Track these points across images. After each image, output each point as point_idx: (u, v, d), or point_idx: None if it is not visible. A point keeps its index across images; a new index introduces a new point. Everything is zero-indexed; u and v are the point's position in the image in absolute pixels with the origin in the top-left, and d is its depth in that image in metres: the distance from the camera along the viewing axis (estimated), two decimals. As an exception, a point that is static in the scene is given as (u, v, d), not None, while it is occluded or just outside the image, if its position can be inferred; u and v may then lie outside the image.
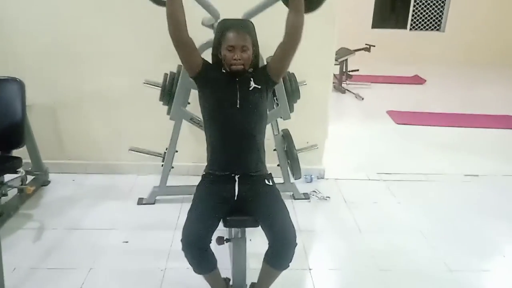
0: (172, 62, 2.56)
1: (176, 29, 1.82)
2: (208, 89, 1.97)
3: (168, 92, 2.70)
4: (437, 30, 8.79)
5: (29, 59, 3.11)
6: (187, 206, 1.90)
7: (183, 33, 1.85)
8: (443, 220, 2.92)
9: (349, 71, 6.55)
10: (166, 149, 2.92)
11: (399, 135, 4.72)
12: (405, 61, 8.47)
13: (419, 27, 8.81)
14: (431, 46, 8.67)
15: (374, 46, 6.64)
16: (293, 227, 1.80)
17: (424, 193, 3.32)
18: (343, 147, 4.12)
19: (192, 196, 1.96)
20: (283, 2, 2.11)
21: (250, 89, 1.95)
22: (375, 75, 7.49)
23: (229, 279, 2.14)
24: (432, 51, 8.66)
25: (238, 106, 1.92)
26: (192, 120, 2.77)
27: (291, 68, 2.62)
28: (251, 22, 2.29)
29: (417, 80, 7.62)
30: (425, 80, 7.53)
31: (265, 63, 2.51)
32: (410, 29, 8.79)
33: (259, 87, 1.97)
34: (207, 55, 2.37)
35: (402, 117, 5.24)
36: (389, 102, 5.98)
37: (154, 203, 3.00)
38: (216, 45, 2.08)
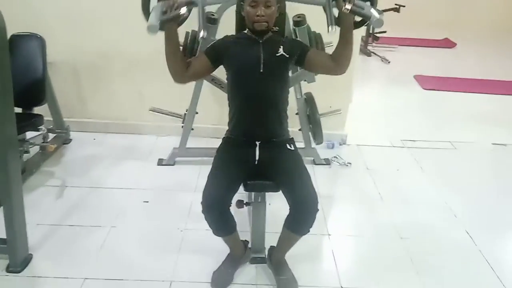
0: (194, 21, 2.46)
1: (176, 77, 1.86)
2: (229, 60, 1.91)
3: (190, 51, 2.62)
4: (471, -9, 8.33)
5: (51, 16, 3.04)
6: (206, 168, 1.88)
7: (184, 76, 1.87)
8: (468, 191, 2.84)
9: (376, 33, 6.28)
10: (187, 111, 2.88)
11: (426, 101, 4.55)
12: (435, 23, 8.07)
13: (453, -13, 8.36)
14: (464, 8, 8.23)
15: (404, 6, 6.31)
16: (315, 192, 1.76)
17: (449, 162, 3.22)
18: (367, 113, 4.01)
19: (211, 158, 1.94)
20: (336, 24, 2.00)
21: (277, 55, 1.87)
22: (403, 37, 7.18)
23: (248, 242, 2.15)
24: (465, 13, 8.22)
25: (261, 71, 1.85)
26: (213, 81, 2.70)
27: (317, 28, 2.50)
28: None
29: (447, 43, 7.29)
30: (456, 44, 7.20)
31: (291, 21, 2.42)
32: (443, -11, 8.35)
33: (287, 56, 1.88)
34: (229, 14, 2.29)
35: (430, 82, 5.04)
36: (416, 66, 5.75)
37: (173, 164, 3.00)
38: (240, 1, 1.98)
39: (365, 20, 1.82)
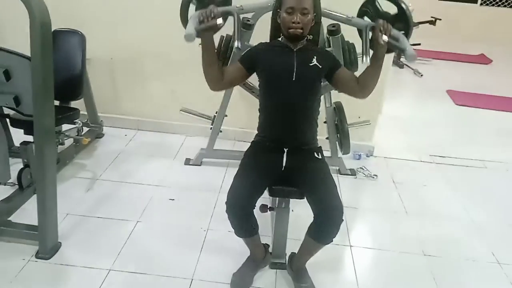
0: (229, 25, 2.51)
1: (213, 85, 1.90)
2: (263, 67, 1.94)
3: (224, 55, 2.67)
4: (510, 7, 8.09)
5: (92, 13, 3.15)
6: (232, 171, 1.92)
7: (220, 84, 1.91)
8: (497, 211, 2.78)
9: (410, 45, 6.20)
10: (216, 113, 2.93)
11: (458, 117, 4.47)
12: (471, 38, 7.91)
13: (491, 2, 8.15)
14: (502, 24, 8.03)
15: (440, 19, 6.23)
16: (341, 203, 1.77)
17: (478, 181, 3.15)
18: (396, 125, 3.96)
19: (237, 161, 1.98)
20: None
21: (311, 65, 1.89)
22: (437, 50, 7.06)
23: (268, 245, 2.17)
24: (502, 29, 8.02)
25: (294, 79, 1.87)
26: (244, 85, 2.74)
27: (351, 38, 2.51)
28: (315, -14, 2.18)
29: (482, 59, 7.13)
30: (491, 61, 7.03)
31: (325, 30, 2.43)
32: (481, 3, 8.16)
33: (320, 67, 1.90)
34: (264, 21, 2.33)
35: (463, 98, 4.95)
36: (450, 81, 5.64)
37: (200, 165, 3.05)
38: (276, 8, 2.01)
39: (400, 51, 1.83)
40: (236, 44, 2.02)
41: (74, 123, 2.78)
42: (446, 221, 2.64)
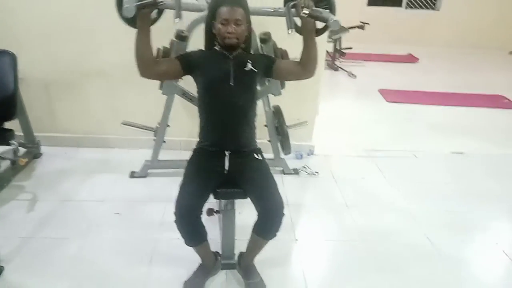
0: (165, 36, 2.56)
1: (144, 69, 1.87)
2: (200, 72, 2.00)
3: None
4: (433, 9, 8.74)
5: (22, 32, 3.07)
6: (178, 180, 1.94)
7: (151, 70, 1.90)
8: (428, 197, 3.01)
9: (343, 49, 6.54)
10: (158, 124, 2.95)
11: (389, 113, 4.77)
12: (399, 39, 8.46)
13: (415, 5, 8.75)
14: (426, 25, 8.64)
15: (368, 24, 6.62)
16: (281, 198, 1.86)
17: (410, 170, 3.40)
18: (334, 124, 4.17)
19: (183, 170, 2.01)
20: (296, 31, 2.12)
21: (246, 69, 1.98)
22: (368, 53, 7.49)
23: (219, 253, 2.21)
24: (427, 30, 8.64)
25: (231, 84, 1.96)
26: (184, 95, 2.79)
27: (283, 44, 2.64)
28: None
29: (410, 59, 7.64)
30: (418, 59, 7.55)
31: (258, 39, 2.55)
32: (406, 7, 8.73)
33: (256, 70, 2.00)
34: (197, 32, 2.40)
35: (393, 95, 5.29)
36: (381, 80, 6.02)
37: (146, 177, 3.05)
38: (209, 21, 2.09)
39: (323, 21, 1.92)
40: (176, 20, 1.93)
41: (10, 145, 2.69)
42: (384, 210, 2.82)
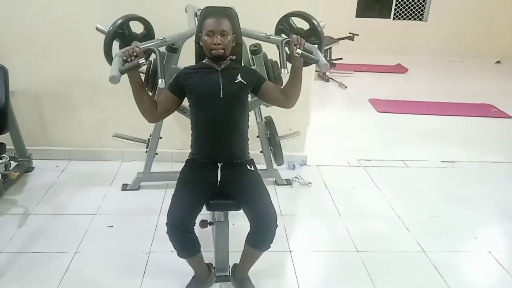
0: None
1: (150, 117, 1.99)
2: (190, 89, 2.02)
3: (152, 79, 2.71)
4: (420, 20, 8.88)
5: (12, 45, 3.08)
6: (171, 192, 1.95)
7: (156, 116, 2.01)
8: (419, 205, 3.03)
9: (333, 60, 6.61)
10: (150, 136, 2.95)
11: (380, 123, 4.82)
12: (388, 50, 8.57)
13: (403, 16, 8.89)
14: (414, 35, 8.77)
15: (358, 35, 6.70)
16: (273, 209, 1.87)
17: (402, 179, 3.43)
18: (326, 135, 4.21)
19: (175, 182, 2.01)
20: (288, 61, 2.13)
21: (236, 81, 2.01)
22: (358, 63, 7.57)
23: (212, 264, 2.20)
24: (415, 40, 8.76)
25: (221, 96, 1.98)
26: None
27: (274, 56, 2.67)
28: (234, 10, 2.32)
29: (399, 69, 7.74)
30: (407, 69, 7.65)
31: (248, 50, 2.58)
32: (394, 18, 8.86)
33: (245, 83, 2.03)
34: (188, 45, 2.42)
35: (384, 106, 5.35)
36: (371, 90, 6.08)
37: (138, 189, 3.04)
38: (198, 33, 2.12)
39: (314, 63, 2.02)
40: (160, 82, 1.93)
41: (1, 158, 2.67)
42: (375, 219, 2.84)
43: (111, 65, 1.87)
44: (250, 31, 2.51)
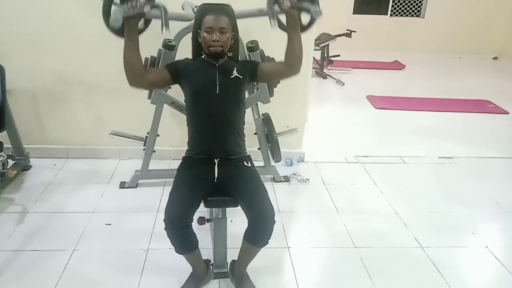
0: (153, 46, 2.57)
1: (133, 79, 1.85)
2: (187, 80, 2.01)
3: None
4: (417, 16, 8.89)
5: (9, 44, 3.07)
6: (169, 190, 1.95)
7: (141, 80, 1.88)
8: (417, 201, 3.04)
9: (331, 57, 6.61)
10: (148, 133, 2.95)
11: (377, 120, 4.82)
12: (385, 46, 8.58)
13: (400, 13, 8.90)
14: (411, 32, 8.78)
15: (355, 31, 6.70)
16: (271, 205, 1.87)
17: (399, 175, 3.43)
18: (323, 131, 4.21)
19: (173, 180, 2.01)
20: (280, 28, 2.13)
21: (232, 77, 2.00)
22: (356, 60, 7.57)
23: (210, 261, 2.21)
24: (412, 37, 8.77)
25: (217, 92, 1.97)
26: (173, 104, 2.80)
27: (271, 53, 2.68)
28: (231, 7, 2.31)
29: (397, 65, 7.74)
30: (405, 66, 7.65)
31: (245, 47, 2.58)
32: (391, 15, 8.86)
33: (241, 77, 2.01)
34: (185, 41, 2.42)
35: (381, 102, 5.35)
36: (369, 87, 6.08)
37: (136, 187, 3.04)
38: (196, 29, 2.11)
39: (306, 11, 1.91)
40: (163, 31, 1.85)
41: (-2, 157, 2.67)
42: (373, 215, 2.85)
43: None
44: (244, 12, 2.43)
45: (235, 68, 2.02)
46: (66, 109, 3.31)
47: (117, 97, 3.25)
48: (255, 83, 2.81)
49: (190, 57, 2.22)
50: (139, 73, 1.87)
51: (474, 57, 8.58)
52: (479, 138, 4.35)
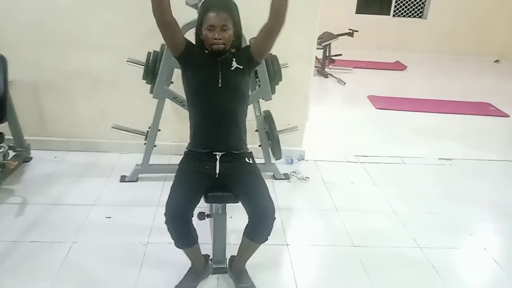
0: (155, 40, 2.57)
1: (158, 9, 1.81)
2: (190, 69, 2.01)
3: (151, 70, 2.72)
4: (420, 17, 8.88)
5: (11, 35, 3.07)
6: (169, 184, 1.95)
7: (166, 13, 1.85)
8: (416, 201, 3.05)
9: (332, 56, 6.61)
10: (149, 128, 2.95)
11: (378, 120, 4.83)
12: (387, 47, 8.58)
13: (402, 13, 8.89)
14: (413, 33, 8.77)
15: (357, 31, 6.70)
16: (272, 202, 1.88)
17: (399, 175, 3.44)
18: (324, 130, 4.21)
19: (174, 174, 2.01)
20: None
21: (232, 69, 1.99)
22: (357, 60, 7.57)
23: (209, 256, 2.22)
24: (414, 38, 8.77)
25: (220, 86, 1.96)
26: (175, 99, 2.81)
27: (273, 51, 2.66)
28: (234, 2, 2.31)
29: (398, 66, 7.74)
30: (406, 67, 7.65)
31: (248, 44, 2.57)
32: (393, 15, 8.86)
33: (241, 67, 2.00)
34: (191, 35, 2.42)
35: (382, 102, 5.36)
36: (370, 87, 6.08)
37: (136, 181, 3.05)
38: (199, 25, 2.10)
39: None
40: None
41: (-1, 148, 2.68)
42: (372, 214, 2.86)
43: None
44: None
45: (233, 59, 2.00)
46: (67, 101, 3.31)
47: (118, 91, 3.26)
48: (258, 78, 2.81)
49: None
50: (166, 5, 1.81)
51: (475, 59, 8.59)
52: (479, 140, 4.36)
